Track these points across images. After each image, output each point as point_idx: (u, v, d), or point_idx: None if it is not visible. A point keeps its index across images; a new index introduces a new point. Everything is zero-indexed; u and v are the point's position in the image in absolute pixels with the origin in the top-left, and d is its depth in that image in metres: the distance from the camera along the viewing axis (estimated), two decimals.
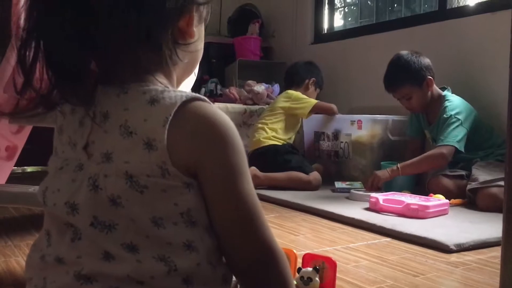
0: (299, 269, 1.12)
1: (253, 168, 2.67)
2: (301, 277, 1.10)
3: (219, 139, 0.60)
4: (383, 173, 2.43)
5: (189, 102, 0.59)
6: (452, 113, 2.36)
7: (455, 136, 2.31)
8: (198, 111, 0.60)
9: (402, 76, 2.47)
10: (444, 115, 2.38)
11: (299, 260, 1.15)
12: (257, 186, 2.60)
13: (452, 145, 2.30)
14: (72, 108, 0.64)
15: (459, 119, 2.34)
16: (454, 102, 2.41)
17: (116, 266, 0.57)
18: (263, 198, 2.41)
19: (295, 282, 1.08)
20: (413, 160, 2.40)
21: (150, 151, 0.57)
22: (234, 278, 0.65)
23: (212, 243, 0.62)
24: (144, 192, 0.57)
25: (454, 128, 2.33)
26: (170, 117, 0.57)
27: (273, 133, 2.91)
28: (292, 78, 3.15)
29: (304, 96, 3.01)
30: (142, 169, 0.57)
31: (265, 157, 2.80)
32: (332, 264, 1.12)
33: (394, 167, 2.41)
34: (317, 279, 1.10)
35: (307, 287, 1.10)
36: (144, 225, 0.58)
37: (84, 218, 0.59)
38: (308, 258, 1.15)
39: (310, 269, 1.11)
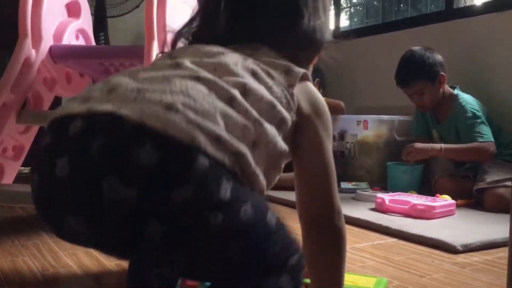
0: None
1: None
2: None
3: (324, 110, 0.78)
4: (423, 147, 2.36)
5: (304, 77, 0.76)
6: (474, 111, 2.32)
7: (489, 132, 2.29)
8: (309, 85, 0.79)
9: (416, 71, 2.41)
10: (467, 114, 2.32)
11: None
12: None
13: (493, 142, 2.27)
14: None
15: (482, 116, 2.31)
16: (469, 100, 2.37)
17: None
18: (269, 199, 2.40)
19: None
20: (459, 146, 2.34)
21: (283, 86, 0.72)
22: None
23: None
24: (267, 81, 0.70)
25: (486, 127, 2.29)
26: (300, 75, 0.74)
27: None
28: None
29: None
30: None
31: None
32: None
33: (437, 146, 2.35)
34: None
35: None
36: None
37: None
38: None
39: None
